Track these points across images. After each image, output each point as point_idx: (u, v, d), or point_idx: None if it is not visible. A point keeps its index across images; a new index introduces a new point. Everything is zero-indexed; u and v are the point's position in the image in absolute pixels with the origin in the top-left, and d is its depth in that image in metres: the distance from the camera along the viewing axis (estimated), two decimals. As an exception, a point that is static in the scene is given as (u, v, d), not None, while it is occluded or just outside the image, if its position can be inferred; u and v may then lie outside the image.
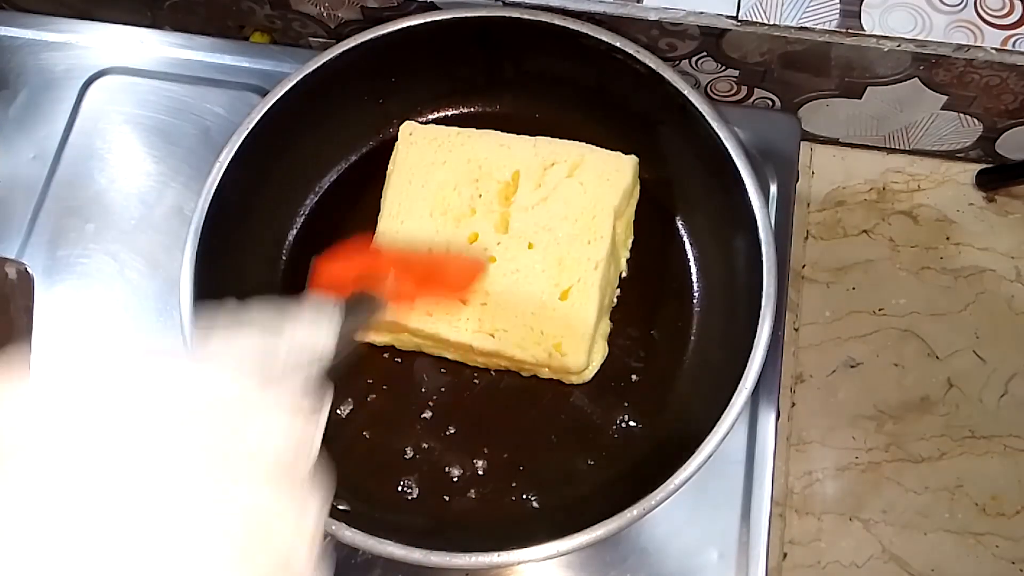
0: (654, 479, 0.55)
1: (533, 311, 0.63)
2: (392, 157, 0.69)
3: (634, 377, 0.66)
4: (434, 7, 0.69)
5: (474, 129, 0.69)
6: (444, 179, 0.67)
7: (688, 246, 0.70)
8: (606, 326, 0.66)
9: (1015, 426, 0.72)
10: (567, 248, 0.64)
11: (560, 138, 0.67)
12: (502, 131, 0.68)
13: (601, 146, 0.67)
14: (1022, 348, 0.74)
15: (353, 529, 0.55)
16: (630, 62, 0.66)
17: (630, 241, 0.70)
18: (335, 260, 0.52)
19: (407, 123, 0.69)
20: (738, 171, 0.62)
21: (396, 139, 0.69)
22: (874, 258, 0.77)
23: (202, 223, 0.62)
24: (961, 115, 0.74)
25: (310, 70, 0.66)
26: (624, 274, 0.69)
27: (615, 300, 0.68)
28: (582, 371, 0.64)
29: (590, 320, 0.63)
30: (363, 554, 0.62)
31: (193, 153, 0.77)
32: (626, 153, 0.66)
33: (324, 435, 0.66)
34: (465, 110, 0.75)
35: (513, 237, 0.65)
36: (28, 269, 0.41)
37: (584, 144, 0.67)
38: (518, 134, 0.73)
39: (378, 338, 0.66)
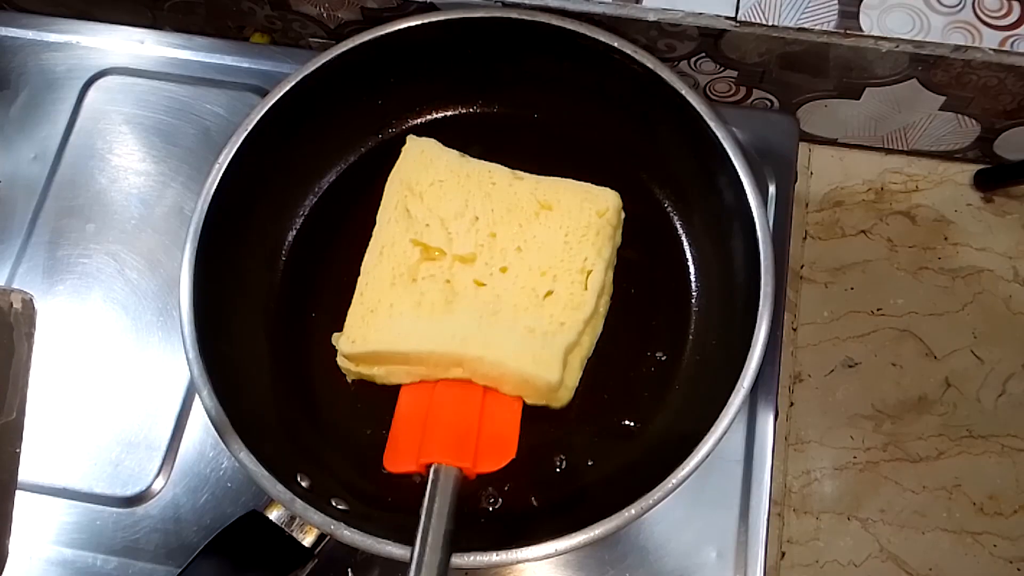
0: (652, 478, 0.55)
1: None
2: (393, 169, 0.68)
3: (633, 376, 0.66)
4: (433, 8, 0.69)
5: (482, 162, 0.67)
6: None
7: (687, 246, 0.70)
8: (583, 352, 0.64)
9: (1013, 426, 0.72)
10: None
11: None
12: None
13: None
14: (1020, 348, 0.74)
15: (353, 529, 0.55)
16: (629, 63, 0.66)
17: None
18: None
19: (411, 138, 0.68)
20: (736, 172, 0.62)
21: (396, 139, 0.69)
22: (872, 258, 0.77)
23: (202, 223, 0.62)
24: (959, 116, 0.74)
25: (310, 70, 0.67)
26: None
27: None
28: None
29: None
30: (363, 554, 0.62)
31: (193, 153, 0.77)
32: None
33: (323, 434, 0.67)
34: (464, 110, 0.75)
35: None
36: (32, 299, 0.41)
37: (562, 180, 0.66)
38: (517, 134, 0.73)
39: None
